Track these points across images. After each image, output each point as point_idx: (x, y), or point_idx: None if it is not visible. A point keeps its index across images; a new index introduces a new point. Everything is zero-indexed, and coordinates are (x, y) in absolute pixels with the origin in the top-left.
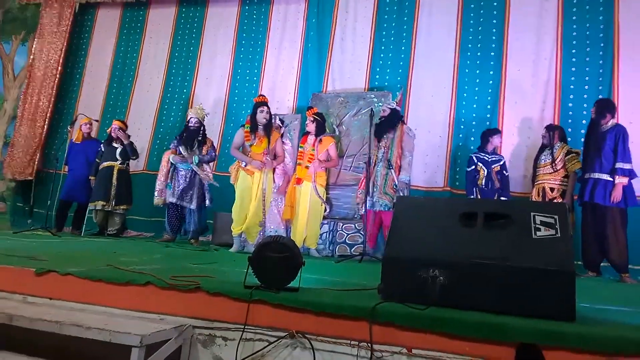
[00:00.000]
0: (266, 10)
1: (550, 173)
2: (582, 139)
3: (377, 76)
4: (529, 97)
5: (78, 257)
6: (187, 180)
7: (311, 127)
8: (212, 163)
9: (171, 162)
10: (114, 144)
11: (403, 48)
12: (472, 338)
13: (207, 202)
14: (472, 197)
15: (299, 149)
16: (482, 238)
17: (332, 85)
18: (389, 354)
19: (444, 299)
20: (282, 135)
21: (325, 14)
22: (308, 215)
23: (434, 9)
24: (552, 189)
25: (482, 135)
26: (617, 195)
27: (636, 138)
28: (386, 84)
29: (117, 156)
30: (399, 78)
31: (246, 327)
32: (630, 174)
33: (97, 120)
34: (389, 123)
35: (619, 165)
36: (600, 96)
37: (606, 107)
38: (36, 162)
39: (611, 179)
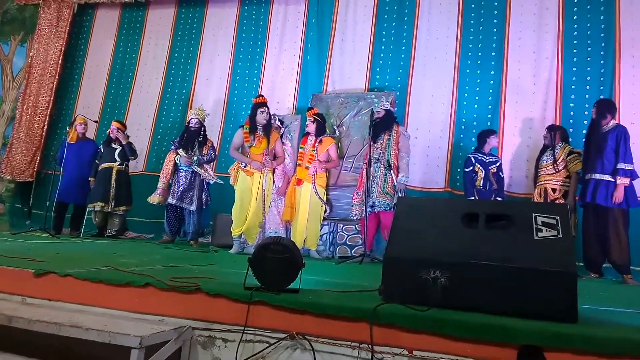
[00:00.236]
0: (266, 11)
1: (552, 174)
2: (584, 140)
3: (378, 76)
4: (530, 97)
5: (77, 258)
6: (188, 181)
7: (311, 127)
8: (212, 164)
9: (175, 162)
10: (113, 145)
11: (403, 48)
12: (473, 340)
13: (204, 203)
14: (471, 198)
15: (299, 149)
16: (484, 239)
17: (332, 86)
18: (390, 355)
19: (445, 300)
20: (281, 136)
21: (325, 14)
22: (308, 216)
23: (434, 9)
24: (554, 190)
25: (479, 136)
26: (618, 196)
27: (637, 138)
28: (386, 84)
29: (116, 157)
30: (399, 78)
31: (246, 328)
32: (632, 174)
33: (96, 121)
34: (384, 124)
35: (620, 165)
36: (601, 96)
37: (607, 107)
38: (37, 164)
39: (613, 180)
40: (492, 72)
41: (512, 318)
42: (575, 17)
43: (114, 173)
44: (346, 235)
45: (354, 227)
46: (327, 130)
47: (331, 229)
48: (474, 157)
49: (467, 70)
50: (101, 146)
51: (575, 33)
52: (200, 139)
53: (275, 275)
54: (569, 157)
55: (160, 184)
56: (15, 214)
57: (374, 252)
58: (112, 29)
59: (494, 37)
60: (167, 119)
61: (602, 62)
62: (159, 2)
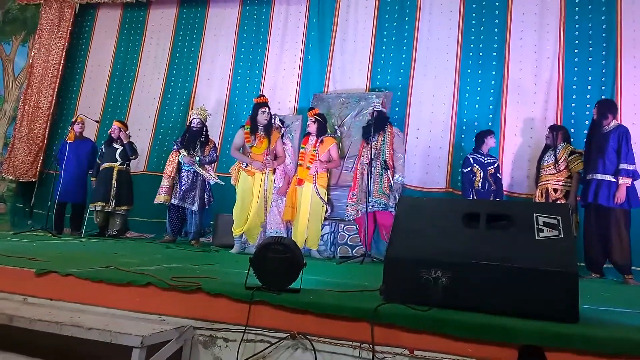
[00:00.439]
0: (267, 11)
1: (553, 174)
2: (585, 140)
3: (379, 76)
4: (531, 97)
5: (78, 258)
6: (190, 181)
7: (312, 127)
8: (213, 164)
9: (179, 161)
10: (114, 145)
11: (404, 48)
12: (474, 339)
13: (207, 203)
14: (470, 198)
15: (300, 149)
16: (485, 239)
17: (333, 86)
18: (391, 355)
19: (446, 300)
20: (282, 136)
21: (326, 15)
22: (309, 216)
23: (435, 9)
24: (555, 190)
25: (477, 137)
26: (620, 196)
27: (639, 139)
28: (387, 84)
29: (117, 157)
30: (400, 78)
31: (247, 328)
32: (634, 174)
33: (97, 121)
34: (377, 125)
35: (622, 166)
36: (602, 96)
37: (608, 107)
38: (39, 164)
39: (615, 180)
40: (493, 72)
41: (513, 318)
42: (576, 17)
43: (115, 173)
44: (347, 235)
45: (354, 227)
46: (328, 131)
47: (332, 229)
48: (472, 157)
49: (468, 70)
50: (102, 146)
51: (576, 33)
52: (202, 139)
53: (277, 275)
54: (570, 157)
55: (165, 182)
56: (17, 213)
57: (372, 251)
58: (114, 28)
59: (495, 37)
60: (168, 119)
61: (603, 62)
62: (161, 2)
